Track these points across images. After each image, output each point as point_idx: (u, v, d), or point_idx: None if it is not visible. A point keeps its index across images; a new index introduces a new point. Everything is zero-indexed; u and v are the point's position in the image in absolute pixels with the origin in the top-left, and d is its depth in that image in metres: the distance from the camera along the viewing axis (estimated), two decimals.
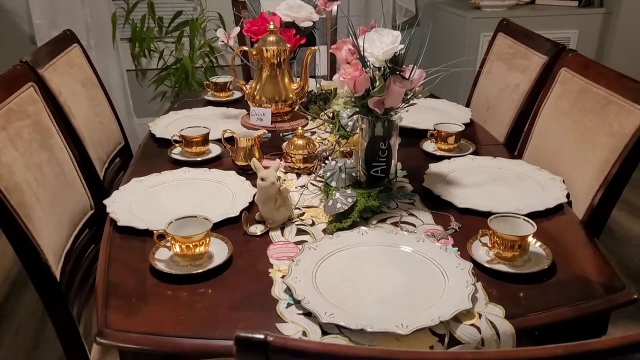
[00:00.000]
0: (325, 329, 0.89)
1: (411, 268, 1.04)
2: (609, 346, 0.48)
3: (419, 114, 1.75)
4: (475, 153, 1.56)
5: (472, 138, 1.66)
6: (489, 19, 3.03)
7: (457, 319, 0.91)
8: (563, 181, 1.37)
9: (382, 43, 1.18)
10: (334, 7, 2.27)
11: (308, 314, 0.92)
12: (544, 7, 3.30)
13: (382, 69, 1.21)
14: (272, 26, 1.56)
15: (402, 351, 0.47)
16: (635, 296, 1.00)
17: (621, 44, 3.22)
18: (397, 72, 1.21)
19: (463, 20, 3.10)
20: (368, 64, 1.20)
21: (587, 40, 3.23)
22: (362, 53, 1.20)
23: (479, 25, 3.06)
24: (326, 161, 1.38)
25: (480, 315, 0.93)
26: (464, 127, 1.59)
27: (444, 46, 3.32)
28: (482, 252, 1.09)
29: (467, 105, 2.06)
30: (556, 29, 3.16)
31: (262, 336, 0.48)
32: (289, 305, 0.95)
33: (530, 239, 1.06)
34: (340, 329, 0.88)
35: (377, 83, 1.20)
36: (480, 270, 1.05)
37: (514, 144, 1.78)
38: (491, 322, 0.92)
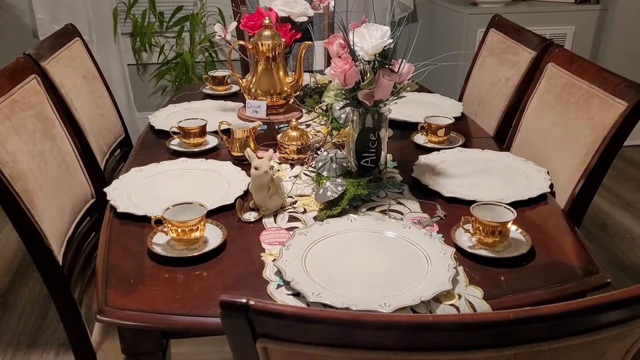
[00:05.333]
0: (315, 307, 0.94)
1: (397, 253, 1.09)
2: (555, 312, 0.53)
3: (412, 108, 1.81)
4: (464, 145, 1.61)
5: (463, 131, 1.71)
6: (485, 15, 3.06)
7: (438, 299, 0.97)
8: (547, 172, 1.42)
9: (371, 37, 1.23)
10: (331, 3, 2.31)
11: (297, 294, 0.98)
12: (540, 3, 3.33)
13: (372, 62, 1.26)
14: (267, 21, 1.61)
15: (368, 314, 0.52)
16: (609, 280, 1.05)
17: (617, 40, 3.25)
18: (386, 66, 1.26)
19: (460, 16, 3.14)
20: (358, 57, 1.25)
21: (583, 37, 3.27)
22: (352, 47, 1.25)
23: (475, 21, 3.09)
24: (318, 152, 1.43)
25: (460, 296, 0.98)
26: (453, 120, 1.64)
27: (441, 42, 3.36)
28: (465, 238, 1.14)
29: (460, 99, 2.11)
30: (552, 25, 3.19)
31: (244, 300, 0.53)
32: (279, 286, 1.01)
33: (511, 225, 1.11)
34: (326, 308, 0.93)
35: (367, 76, 1.25)
36: (463, 255, 1.10)
37: (504, 137, 1.82)
38: (470, 303, 0.97)
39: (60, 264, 1.29)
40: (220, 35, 1.76)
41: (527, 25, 2.01)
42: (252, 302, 0.53)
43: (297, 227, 1.18)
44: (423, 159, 1.50)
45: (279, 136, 1.50)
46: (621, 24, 3.22)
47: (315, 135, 1.61)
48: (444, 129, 1.60)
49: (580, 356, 0.61)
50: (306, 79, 1.84)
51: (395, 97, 1.30)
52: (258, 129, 1.52)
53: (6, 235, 2.53)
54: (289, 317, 0.54)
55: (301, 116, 1.70)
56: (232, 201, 1.26)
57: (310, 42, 1.65)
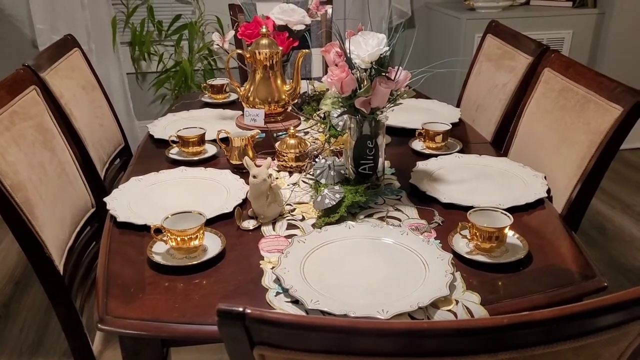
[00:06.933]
0: (311, 315, 0.95)
1: (394, 259, 1.10)
2: (548, 316, 0.53)
3: (409, 114, 1.82)
4: (462, 151, 1.62)
5: (461, 137, 1.72)
6: (483, 20, 3.07)
7: (435, 305, 0.97)
8: (545, 177, 1.43)
9: (367, 45, 1.24)
10: (328, 11, 2.33)
11: (295, 302, 0.98)
12: (537, 8, 3.35)
13: (368, 70, 1.27)
14: (264, 29, 1.62)
15: (364, 321, 0.53)
16: (606, 284, 1.05)
17: (614, 44, 3.27)
18: (383, 73, 1.27)
19: (458, 21, 3.16)
20: (355, 65, 1.26)
21: (581, 41, 3.29)
22: (348, 55, 1.26)
23: (473, 26, 3.11)
24: (316, 159, 1.44)
25: (457, 302, 0.99)
26: (451, 126, 1.65)
27: (438, 48, 3.38)
28: (462, 243, 1.15)
29: (458, 105, 2.12)
30: (550, 29, 3.21)
31: (240, 308, 0.54)
32: (277, 293, 1.01)
33: (507, 231, 1.12)
34: (325, 315, 0.94)
35: (364, 84, 1.26)
36: (460, 261, 1.10)
37: (501, 142, 1.83)
38: (467, 308, 0.98)
39: (61, 273, 1.29)
40: (218, 44, 1.77)
41: (525, 30, 2.02)
42: (248, 310, 0.54)
43: (296, 235, 1.19)
44: (421, 165, 1.50)
45: (277, 144, 1.51)
46: (619, 28, 3.24)
47: (313, 142, 1.62)
48: (441, 135, 1.61)
49: None
50: (304, 86, 1.86)
51: (392, 104, 1.31)
52: (256, 137, 1.53)
53: (7, 245, 2.54)
54: (286, 324, 0.55)
55: (299, 124, 1.71)
56: (231, 209, 1.27)
57: (307, 50, 1.66)
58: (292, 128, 1.52)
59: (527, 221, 1.26)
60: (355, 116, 1.32)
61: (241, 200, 1.32)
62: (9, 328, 2.06)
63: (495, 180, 1.44)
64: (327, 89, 1.33)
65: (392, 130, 1.71)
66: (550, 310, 0.55)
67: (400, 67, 1.28)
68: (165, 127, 1.80)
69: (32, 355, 1.94)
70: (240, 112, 1.79)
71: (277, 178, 1.44)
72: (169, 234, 1.11)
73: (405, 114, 1.72)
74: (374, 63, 1.26)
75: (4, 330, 2.05)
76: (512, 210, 1.22)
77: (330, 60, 1.30)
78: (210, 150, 1.61)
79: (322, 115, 1.73)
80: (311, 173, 1.42)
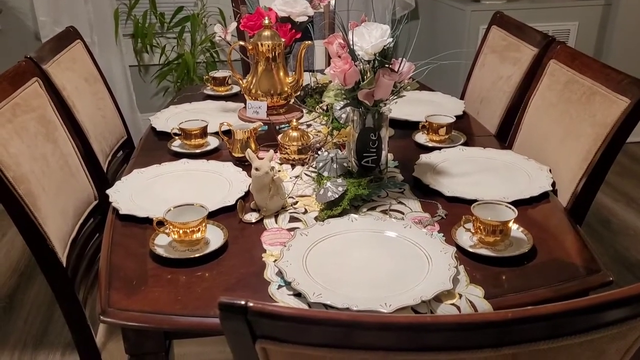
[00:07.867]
0: (313, 309, 0.95)
1: (397, 253, 1.10)
2: (553, 311, 0.53)
3: (412, 107, 1.80)
4: (466, 144, 1.61)
5: (465, 129, 1.71)
6: (488, 12, 3.05)
7: (439, 299, 0.97)
8: (550, 170, 1.42)
9: (371, 37, 1.23)
10: (331, 2, 2.31)
11: (298, 295, 0.98)
12: None
13: (372, 62, 1.26)
14: (267, 21, 1.61)
15: (366, 315, 0.53)
16: (611, 278, 1.04)
17: (621, 35, 3.24)
18: (386, 65, 1.26)
19: (462, 13, 3.13)
20: (358, 57, 1.25)
21: (587, 32, 3.26)
22: (351, 47, 1.25)
23: (477, 18, 3.08)
24: (319, 152, 1.43)
25: (460, 296, 0.98)
26: (454, 118, 1.64)
27: (442, 39, 3.36)
28: (466, 237, 1.14)
29: (462, 97, 2.10)
30: (556, 21, 3.18)
31: (242, 302, 0.54)
32: (280, 286, 1.01)
33: (512, 224, 1.11)
34: (327, 308, 0.94)
35: (367, 76, 1.25)
36: (464, 255, 1.10)
37: (506, 135, 1.82)
38: (471, 302, 0.97)
39: (64, 265, 1.29)
40: (220, 36, 1.76)
41: (530, 21, 2.00)
42: (250, 304, 0.54)
43: (298, 228, 1.18)
44: (424, 158, 1.49)
45: (279, 137, 1.50)
46: (625, 19, 3.21)
47: (316, 135, 1.61)
48: (445, 127, 1.60)
49: (579, 355, 0.62)
50: (306, 78, 1.85)
51: (395, 97, 1.30)
52: (259, 129, 1.52)
53: (12, 237, 2.54)
54: (288, 318, 0.55)
55: (302, 116, 1.70)
56: (234, 202, 1.27)
57: (310, 42, 1.65)
58: (294, 120, 1.51)
59: (532, 214, 1.25)
60: (358, 108, 1.31)
61: (243, 193, 1.31)
62: (13, 320, 2.07)
63: (500, 173, 1.43)
64: (330, 81, 1.32)
65: (395, 123, 1.70)
66: (555, 305, 0.54)
67: (404, 59, 1.27)
68: (168, 119, 1.79)
69: (36, 346, 1.94)
70: (242, 105, 1.78)
71: (279, 171, 1.44)
72: (171, 227, 1.11)
73: (408, 106, 1.71)
74: (377, 55, 1.25)
75: (9, 322, 2.06)
76: (516, 203, 1.21)
77: (333, 52, 1.29)
78: (213, 142, 1.61)
79: (324, 108, 1.72)
80: (314, 166, 1.41)
